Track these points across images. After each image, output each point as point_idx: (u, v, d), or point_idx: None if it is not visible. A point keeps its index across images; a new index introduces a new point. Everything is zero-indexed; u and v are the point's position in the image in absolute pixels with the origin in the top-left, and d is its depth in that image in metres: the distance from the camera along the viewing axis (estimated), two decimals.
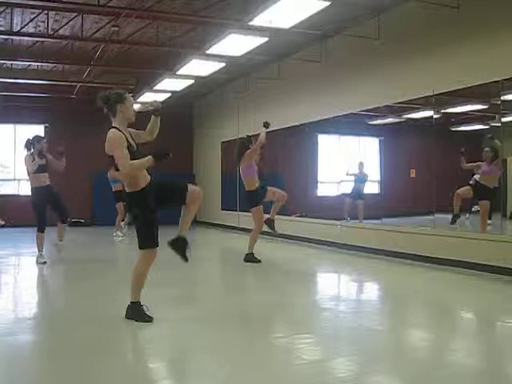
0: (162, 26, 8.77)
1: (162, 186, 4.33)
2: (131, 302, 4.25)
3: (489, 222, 7.00)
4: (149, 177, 4.23)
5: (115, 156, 4.00)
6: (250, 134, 7.93)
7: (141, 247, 4.22)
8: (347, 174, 9.83)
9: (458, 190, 7.26)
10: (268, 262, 7.54)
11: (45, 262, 7.35)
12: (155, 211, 4.22)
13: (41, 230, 7.39)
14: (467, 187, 7.31)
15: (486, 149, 7.03)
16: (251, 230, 7.76)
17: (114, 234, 11.13)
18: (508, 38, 6.06)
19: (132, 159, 4.02)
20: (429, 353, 3.67)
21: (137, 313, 4.22)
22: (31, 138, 7.35)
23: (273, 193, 7.63)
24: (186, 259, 4.49)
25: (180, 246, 4.43)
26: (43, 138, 7.58)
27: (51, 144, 7.79)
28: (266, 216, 7.66)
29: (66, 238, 7.93)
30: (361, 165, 9.78)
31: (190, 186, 4.42)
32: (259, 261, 7.43)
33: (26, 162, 7.29)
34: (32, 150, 7.28)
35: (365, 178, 9.68)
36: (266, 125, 7.47)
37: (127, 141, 4.08)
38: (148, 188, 4.17)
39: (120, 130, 4.08)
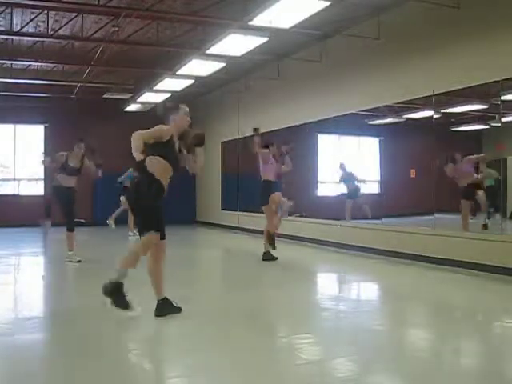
0: (161, 26, 8.76)
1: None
2: (160, 300, 4.33)
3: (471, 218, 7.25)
4: (168, 180, 4.31)
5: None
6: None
7: (140, 232, 4.24)
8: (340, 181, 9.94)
9: (463, 209, 7.24)
10: (268, 261, 7.54)
11: (79, 261, 7.38)
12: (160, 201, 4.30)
13: (70, 230, 7.47)
14: (463, 201, 7.32)
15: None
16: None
17: (131, 234, 10.90)
18: (508, 38, 6.06)
19: (167, 148, 4.23)
20: (429, 353, 3.68)
21: (168, 308, 4.32)
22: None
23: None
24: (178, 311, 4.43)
25: (168, 310, 4.39)
26: (82, 141, 7.64)
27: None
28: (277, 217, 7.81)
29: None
30: (342, 165, 9.83)
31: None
32: (276, 258, 7.53)
33: (69, 157, 7.39)
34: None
35: (352, 177, 9.70)
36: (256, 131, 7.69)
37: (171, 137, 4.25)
38: (162, 193, 4.27)
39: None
